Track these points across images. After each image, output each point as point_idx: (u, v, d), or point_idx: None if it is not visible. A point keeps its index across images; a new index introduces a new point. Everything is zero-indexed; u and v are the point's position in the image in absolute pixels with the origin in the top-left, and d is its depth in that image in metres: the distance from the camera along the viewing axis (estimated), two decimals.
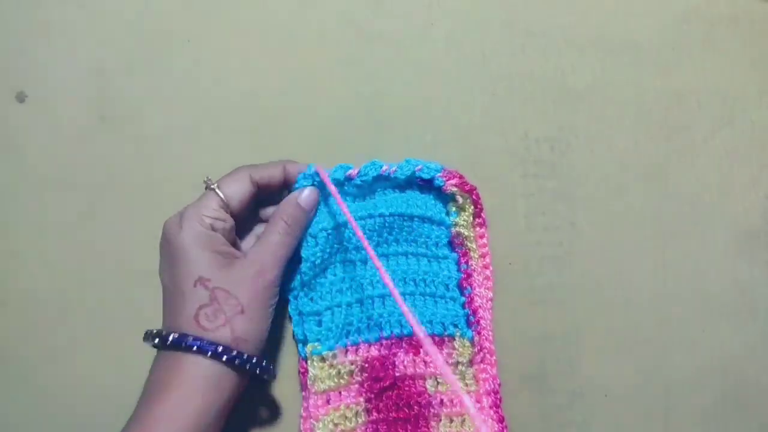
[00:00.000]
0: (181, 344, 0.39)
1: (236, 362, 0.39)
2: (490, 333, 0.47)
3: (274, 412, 0.47)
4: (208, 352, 0.39)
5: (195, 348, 0.38)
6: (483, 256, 0.47)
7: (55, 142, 0.48)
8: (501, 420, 0.46)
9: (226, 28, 0.49)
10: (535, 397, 0.48)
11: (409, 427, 0.45)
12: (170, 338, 0.39)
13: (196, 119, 0.49)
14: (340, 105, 0.49)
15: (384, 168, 0.46)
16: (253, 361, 0.40)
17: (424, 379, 0.46)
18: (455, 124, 0.49)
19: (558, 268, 0.49)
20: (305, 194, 0.45)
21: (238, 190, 0.43)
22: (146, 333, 0.41)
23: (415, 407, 0.45)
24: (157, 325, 0.41)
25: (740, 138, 0.50)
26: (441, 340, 0.46)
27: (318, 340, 0.45)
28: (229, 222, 0.42)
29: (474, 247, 0.47)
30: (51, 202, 0.48)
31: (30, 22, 0.49)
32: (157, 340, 0.40)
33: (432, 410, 0.45)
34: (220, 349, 0.39)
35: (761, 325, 0.49)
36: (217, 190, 0.42)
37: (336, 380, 0.45)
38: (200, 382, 0.38)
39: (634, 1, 0.51)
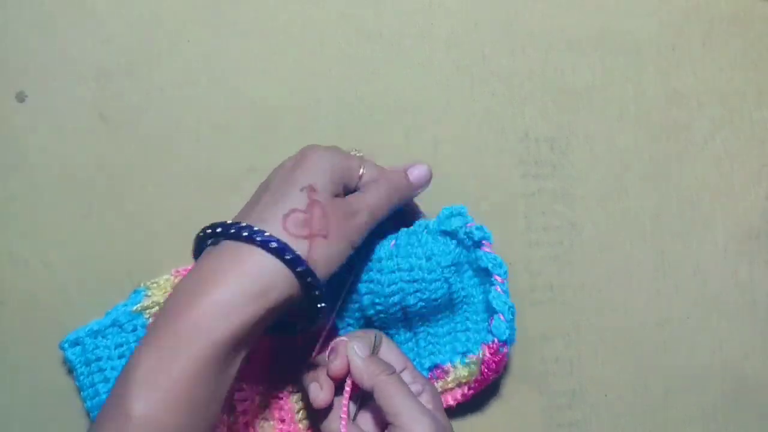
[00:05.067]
0: (255, 236, 0.35)
1: (307, 279, 0.36)
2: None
3: None
4: (284, 254, 0.35)
5: (273, 244, 0.35)
6: None
7: (55, 142, 0.48)
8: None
9: (226, 28, 0.49)
10: (535, 397, 0.48)
11: None
12: (242, 227, 0.35)
13: (196, 119, 0.49)
14: (340, 105, 0.49)
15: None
16: (322, 287, 0.37)
17: None
18: (455, 124, 0.49)
19: (558, 268, 0.49)
20: (418, 170, 0.44)
21: (369, 175, 0.42)
22: (205, 230, 0.37)
23: None
24: None
25: (740, 138, 0.50)
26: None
27: None
28: (349, 189, 0.42)
29: None
30: (51, 202, 0.48)
31: (30, 22, 0.49)
32: (219, 229, 0.36)
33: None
34: (296, 254, 0.35)
35: (761, 325, 0.49)
36: (362, 167, 0.42)
37: None
38: (265, 279, 0.35)
39: (634, 1, 0.51)
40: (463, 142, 0.49)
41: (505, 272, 0.43)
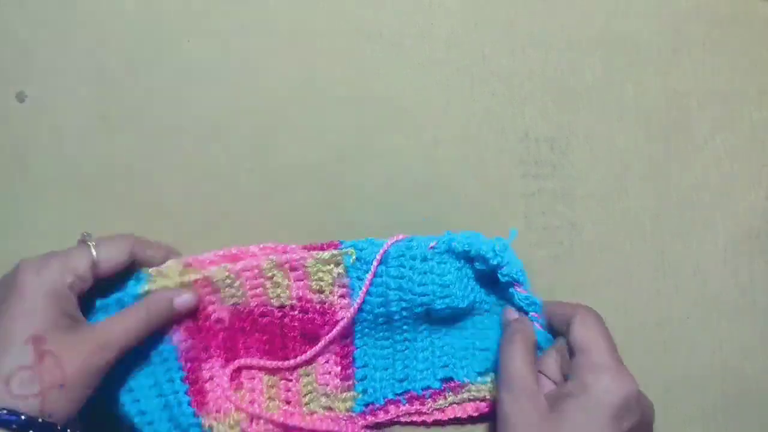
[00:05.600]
0: None
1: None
2: None
3: None
4: (11, 425, 0.33)
5: (13, 418, 0.33)
6: None
7: (55, 142, 0.48)
8: None
9: (226, 28, 0.49)
10: None
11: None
12: None
13: (196, 119, 0.49)
14: (340, 105, 0.49)
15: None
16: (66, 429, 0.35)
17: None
18: (455, 124, 0.49)
19: (558, 268, 0.49)
20: (184, 299, 0.42)
21: (112, 258, 0.40)
22: None
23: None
24: None
25: (740, 138, 0.50)
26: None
27: None
28: (89, 285, 0.39)
29: None
30: (51, 202, 0.48)
31: (30, 22, 0.49)
32: None
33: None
34: (23, 419, 0.33)
35: (761, 326, 0.49)
36: (92, 250, 0.39)
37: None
38: None
39: (634, 1, 0.51)
40: (463, 142, 0.49)
41: (539, 307, 0.44)
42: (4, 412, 0.33)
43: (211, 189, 0.48)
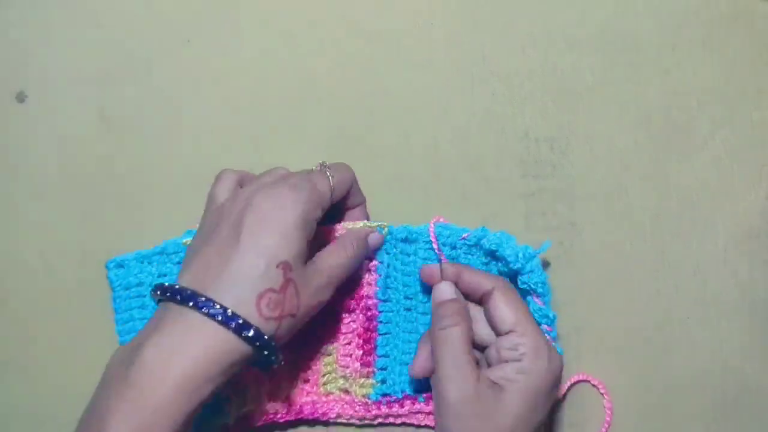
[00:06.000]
0: (230, 323, 0.35)
1: (270, 356, 0.37)
2: None
3: None
4: (255, 342, 0.36)
5: (247, 333, 0.35)
6: None
7: (55, 142, 0.48)
8: None
9: (226, 28, 0.49)
10: None
11: None
12: (215, 306, 0.35)
13: (196, 119, 0.49)
14: (340, 105, 0.49)
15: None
16: (280, 359, 0.38)
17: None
18: (455, 124, 0.49)
19: (558, 268, 0.49)
20: (375, 237, 0.45)
21: (342, 188, 0.42)
22: (167, 287, 0.37)
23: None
24: None
25: (740, 138, 0.50)
26: None
27: None
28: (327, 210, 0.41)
29: None
30: (51, 202, 0.48)
31: (30, 22, 0.49)
32: (191, 303, 0.35)
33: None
34: (266, 339, 0.36)
35: (761, 326, 0.49)
36: (331, 179, 0.40)
37: None
38: (228, 356, 0.35)
39: (634, 0, 0.51)
40: (463, 142, 0.49)
41: (553, 320, 0.45)
42: (257, 331, 0.36)
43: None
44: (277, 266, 0.37)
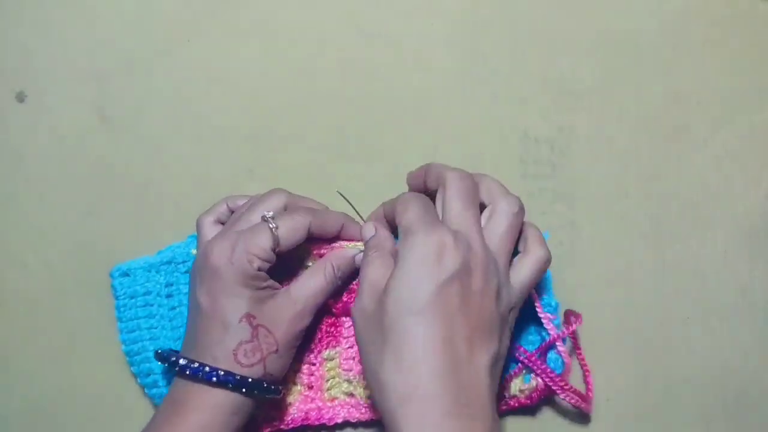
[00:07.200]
0: (214, 379, 0.39)
1: (266, 396, 0.40)
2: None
3: None
4: (242, 389, 0.39)
5: (230, 385, 0.39)
6: None
7: (55, 142, 0.48)
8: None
9: (226, 28, 0.49)
10: None
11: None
12: (204, 369, 0.39)
13: (196, 119, 0.49)
14: (340, 105, 0.49)
15: None
16: (279, 393, 0.41)
17: None
18: (455, 124, 0.49)
19: (558, 268, 0.49)
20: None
21: (292, 237, 0.41)
22: (166, 355, 0.40)
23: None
24: None
25: (740, 138, 0.50)
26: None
27: None
28: (273, 262, 0.41)
29: None
30: (51, 202, 0.48)
31: (30, 22, 0.49)
32: (188, 372, 0.39)
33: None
34: (250, 381, 0.39)
35: (761, 326, 0.49)
36: (274, 231, 0.41)
37: None
38: (225, 408, 0.39)
39: (634, 1, 0.51)
40: (463, 142, 0.49)
41: (555, 308, 0.45)
42: (237, 377, 0.39)
43: (211, 189, 0.48)
44: (240, 321, 0.40)
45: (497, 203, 0.40)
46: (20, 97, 0.49)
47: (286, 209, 0.43)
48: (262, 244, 0.40)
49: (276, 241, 0.41)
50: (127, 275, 0.45)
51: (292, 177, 0.49)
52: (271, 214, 0.42)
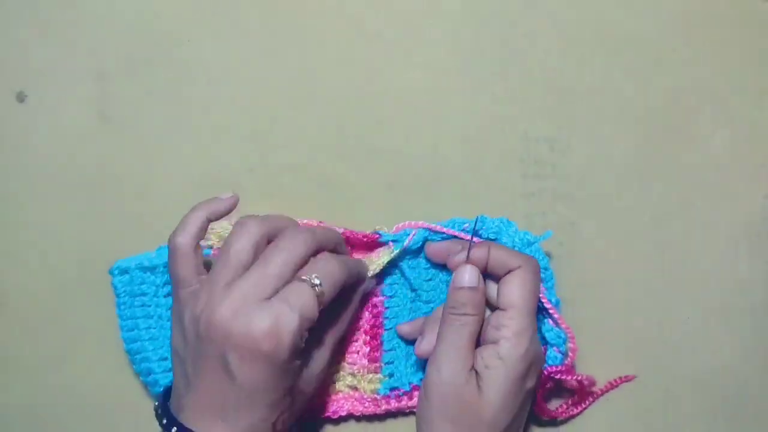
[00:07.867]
0: None
1: None
2: None
3: None
4: None
5: None
6: None
7: (55, 142, 0.48)
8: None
9: (226, 28, 0.49)
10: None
11: None
12: None
13: (196, 119, 0.49)
14: (340, 105, 0.49)
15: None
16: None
17: None
18: (455, 124, 0.49)
19: (558, 268, 0.49)
20: (367, 284, 0.45)
21: (334, 287, 0.40)
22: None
23: None
24: None
25: (740, 138, 0.50)
26: None
27: None
28: None
29: None
30: (51, 202, 0.48)
31: (30, 22, 0.49)
32: None
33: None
34: None
35: (761, 326, 0.49)
36: (320, 298, 0.38)
37: None
38: None
39: (634, 0, 0.50)
40: (463, 142, 0.49)
41: (556, 305, 0.45)
42: None
43: (210, 189, 0.48)
44: (285, 396, 0.39)
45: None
46: (20, 97, 0.49)
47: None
48: (310, 315, 0.37)
49: (322, 305, 0.38)
50: (126, 273, 0.45)
51: (292, 177, 0.49)
52: (316, 278, 0.38)
